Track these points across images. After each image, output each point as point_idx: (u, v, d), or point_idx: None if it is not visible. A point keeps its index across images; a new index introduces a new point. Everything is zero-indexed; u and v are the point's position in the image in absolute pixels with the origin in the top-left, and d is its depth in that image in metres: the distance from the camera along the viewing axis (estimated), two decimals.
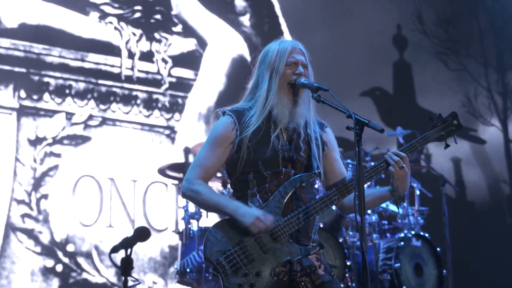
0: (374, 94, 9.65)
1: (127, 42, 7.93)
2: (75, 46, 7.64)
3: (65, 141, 7.41)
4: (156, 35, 8.12)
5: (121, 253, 3.00)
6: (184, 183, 3.14)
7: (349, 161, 6.21)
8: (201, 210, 5.82)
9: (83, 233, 7.33)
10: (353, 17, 9.32)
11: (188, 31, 8.30)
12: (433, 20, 10.00)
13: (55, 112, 7.43)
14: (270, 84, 3.14)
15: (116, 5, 7.96)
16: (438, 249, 6.42)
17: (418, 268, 6.28)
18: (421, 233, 6.45)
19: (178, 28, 8.26)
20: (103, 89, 7.70)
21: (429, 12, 9.96)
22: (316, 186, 3.37)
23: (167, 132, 7.94)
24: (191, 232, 5.97)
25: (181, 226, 6.21)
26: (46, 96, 7.42)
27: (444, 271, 6.41)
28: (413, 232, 6.40)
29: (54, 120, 7.42)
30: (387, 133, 7.42)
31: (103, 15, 7.89)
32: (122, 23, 7.96)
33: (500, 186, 9.87)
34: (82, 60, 7.65)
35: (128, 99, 7.81)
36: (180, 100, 8.06)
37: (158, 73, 8.02)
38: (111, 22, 7.91)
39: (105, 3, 7.91)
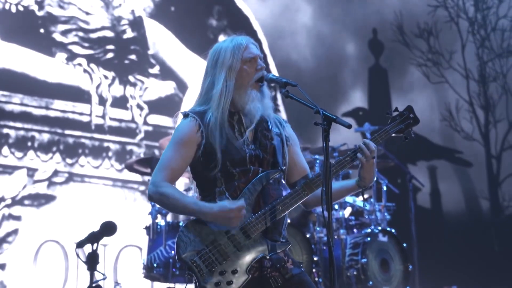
0: (357, 115, 9.75)
1: (98, 87, 7.66)
2: (39, 92, 7.29)
3: (26, 202, 7.16)
4: (131, 78, 7.88)
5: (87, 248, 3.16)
6: (151, 186, 3.21)
7: (316, 156, 6.39)
8: None
9: None
10: (332, 25, 9.62)
11: (167, 73, 8.05)
12: (414, 31, 10.19)
13: (15, 168, 7.09)
14: (226, 83, 3.23)
15: (86, 45, 7.73)
16: (404, 244, 6.69)
17: (384, 263, 6.49)
18: (388, 229, 6.69)
19: (155, 69, 8.00)
20: (70, 140, 7.47)
21: (410, 23, 10.17)
22: (283, 182, 3.53)
23: (142, 188, 7.60)
24: (158, 227, 6.08)
25: (148, 221, 6.22)
26: (5, 150, 7.10)
27: (410, 266, 6.69)
28: (379, 228, 6.63)
29: (13, 177, 7.07)
30: (355, 129, 7.79)
31: (71, 56, 7.62)
32: (92, 65, 7.71)
33: (477, 197, 10.15)
34: (47, 107, 7.41)
35: (98, 152, 7.49)
36: (157, 152, 7.71)
37: (133, 121, 7.82)
38: (80, 64, 7.63)
39: (74, 43, 7.68)
